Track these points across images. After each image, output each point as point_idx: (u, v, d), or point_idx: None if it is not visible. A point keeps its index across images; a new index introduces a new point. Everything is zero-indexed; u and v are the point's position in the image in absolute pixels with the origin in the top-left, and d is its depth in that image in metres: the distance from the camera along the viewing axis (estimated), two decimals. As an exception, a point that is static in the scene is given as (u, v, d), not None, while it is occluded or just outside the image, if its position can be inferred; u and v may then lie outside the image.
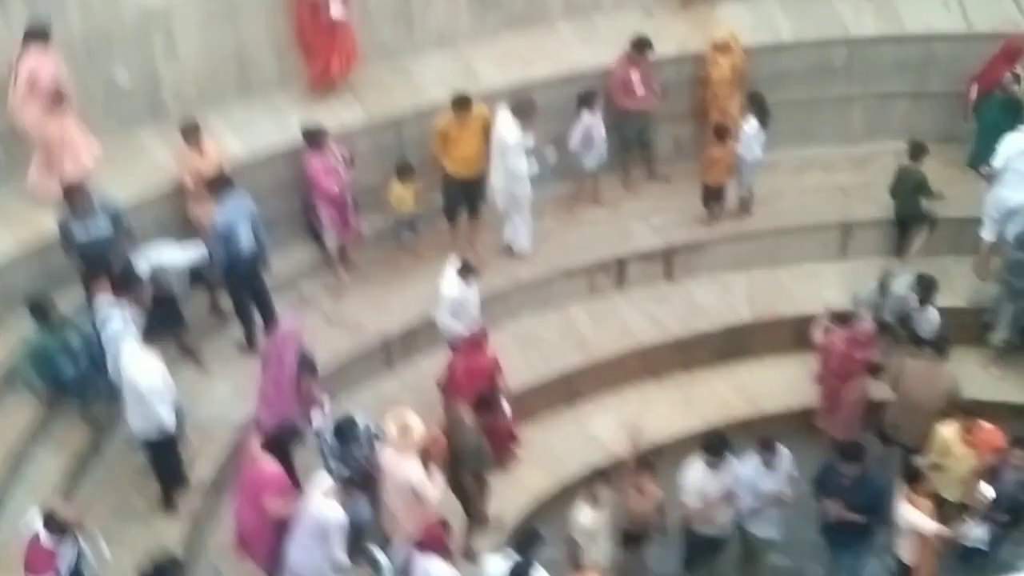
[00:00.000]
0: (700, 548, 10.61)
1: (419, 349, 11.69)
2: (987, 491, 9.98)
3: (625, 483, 10.09)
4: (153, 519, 9.80)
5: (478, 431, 10.12)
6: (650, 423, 11.14)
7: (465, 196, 12.02)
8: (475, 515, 10.38)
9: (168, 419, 9.50)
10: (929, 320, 11.44)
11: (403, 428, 9.43)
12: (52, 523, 8.38)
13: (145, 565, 8.37)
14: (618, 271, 12.56)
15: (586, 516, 9.69)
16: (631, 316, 12.34)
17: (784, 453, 10.18)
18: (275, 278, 11.23)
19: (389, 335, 11.64)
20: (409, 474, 9.40)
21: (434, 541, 8.94)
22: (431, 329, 11.39)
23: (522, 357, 11.24)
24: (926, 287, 11.45)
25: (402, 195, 11.82)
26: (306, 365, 9.99)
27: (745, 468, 10.19)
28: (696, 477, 10.09)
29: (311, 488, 9.12)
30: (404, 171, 11.79)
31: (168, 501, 9.90)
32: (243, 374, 10.88)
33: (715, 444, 10.10)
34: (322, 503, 8.96)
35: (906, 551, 10.07)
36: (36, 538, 8.37)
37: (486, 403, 10.38)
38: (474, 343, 10.64)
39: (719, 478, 10.09)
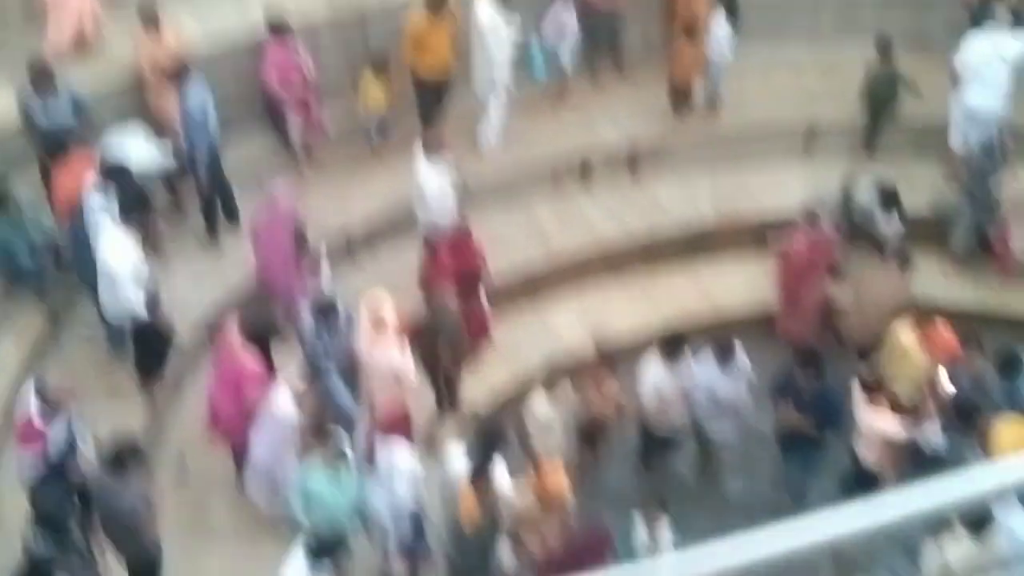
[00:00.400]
0: (656, 447, 10.69)
1: (383, 243, 11.64)
2: (946, 385, 10.02)
3: (585, 380, 10.14)
4: (112, 409, 9.73)
5: (458, 314, 10.09)
6: (611, 321, 11.19)
7: (436, 98, 11.89)
8: (447, 402, 10.43)
9: (138, 303, 9.44)
10: (892, 226, 11.50)
11: (376, 315, 9.38)
12: (42, 399, 8.34)
13: (106, 450, 8.35)
14: (583, 170, 12.51)
15: (543, 408, 9.73)
16: (595, 215, 12.31)
17: (742, 359, 10.22)
18: (234, 170, 11.10)
19: (351, 229, 11.57)
20: (390, 358, 9.38)
21: (397, 428, 8.96)
22: (394, 224, 11.33)
23: (486, 254, 11.19)
24: (887, 196, 11.49)
25: (375, 94, 11.59)
26: (300, 238, 9.89)
27: (702, 369, 10.24)
28: (653, 376, 10.13)
29: (279, 381, 9.11)
30: (378, 66, 11.55)
31: (144, 386, 9.85)
32: (204, 267, 10.82)
33: (671, 343, 10.14)
34: (279, 399, 8.93)
35: (871, 456, 10.00)
36: (29, 412, 8.36)
37: (469, 287, 10.36)
38: (459, 240, 10.54)
39: (675, 378, 10.14)
